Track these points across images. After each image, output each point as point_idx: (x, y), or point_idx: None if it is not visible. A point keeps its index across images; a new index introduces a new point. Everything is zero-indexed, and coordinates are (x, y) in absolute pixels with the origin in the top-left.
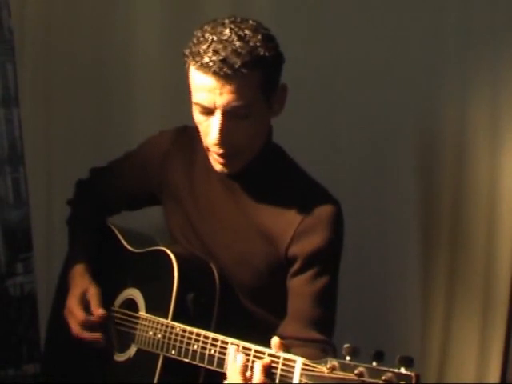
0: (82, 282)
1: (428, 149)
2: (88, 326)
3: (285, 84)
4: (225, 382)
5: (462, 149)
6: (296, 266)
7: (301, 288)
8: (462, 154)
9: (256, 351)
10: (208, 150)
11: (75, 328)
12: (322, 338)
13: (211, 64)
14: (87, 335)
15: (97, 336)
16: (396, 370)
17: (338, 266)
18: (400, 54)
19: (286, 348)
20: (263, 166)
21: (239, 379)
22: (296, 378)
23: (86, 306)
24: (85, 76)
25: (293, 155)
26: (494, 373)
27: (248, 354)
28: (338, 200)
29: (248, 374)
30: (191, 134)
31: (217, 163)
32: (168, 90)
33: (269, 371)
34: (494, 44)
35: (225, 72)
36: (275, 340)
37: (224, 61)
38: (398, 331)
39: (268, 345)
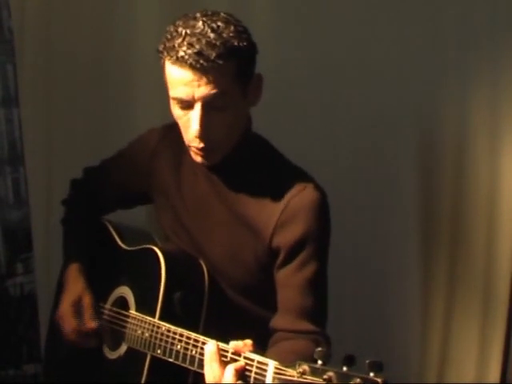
0: (76, 288)
1: (428, 149)
2: (80, 334)
3: (259, 74)
4: None
5: (462, 149)
6: (281, 257)
7: (288, 279)
8: (462, 154)
9: (233, 353)
10: (188, 144)
11: (67, 334)
12: (313, 329)
13: (187, 57)
14: (79, 341)
15: (89, 342)
16: (364, 376)
17: (324, 254)
18: (400, 54)
19: (250, 349)
20: (245, 157)
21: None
22: (269, 381)
23: (78, 313)
24: (85, 76)
25: (292, 155)
26: (494, 373)
27: (225, 356)
28: (322, 188)
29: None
30: (179, 130)
31: (197, 156)
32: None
33: (243, 374)
34: (494, 44)
35: (201, 64)
36: (233, 344)
37: (199, 53)
38: (398, 331)
39: (262, 340)
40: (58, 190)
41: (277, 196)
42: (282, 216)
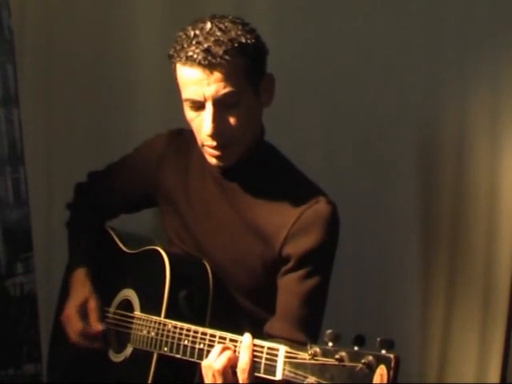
0: (82, 291)
1: (428, 149)
2: (86, 336)
3: (271, 74)
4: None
5: (461, 149)
6: (289, 265)
7: (290, 286)
8: (462, 153)
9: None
10: (202, 145)
11: (73, 336)
12: (305, 342)
13: (195, 56)
14: (85, 343)
15: (94, 344)
16: (376, 353)
17: (330, 268)
18: (400, 54)
19: None
20: (257, 165)
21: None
22: (280, 366)
23: (84, 316)
24: (85, 76)
25: (292, 155)
26: (494, 373)
27: (235, 346)
28: (333, 201)
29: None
30: (186, 136)
31: (211, 157)
32: (168, 91)
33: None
34: (494, 44)
35: (209, 61)
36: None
37: (207, 50)
38: (398, 331)
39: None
40: (58, 190)
41: (289, 205)
42: (295, 226)
